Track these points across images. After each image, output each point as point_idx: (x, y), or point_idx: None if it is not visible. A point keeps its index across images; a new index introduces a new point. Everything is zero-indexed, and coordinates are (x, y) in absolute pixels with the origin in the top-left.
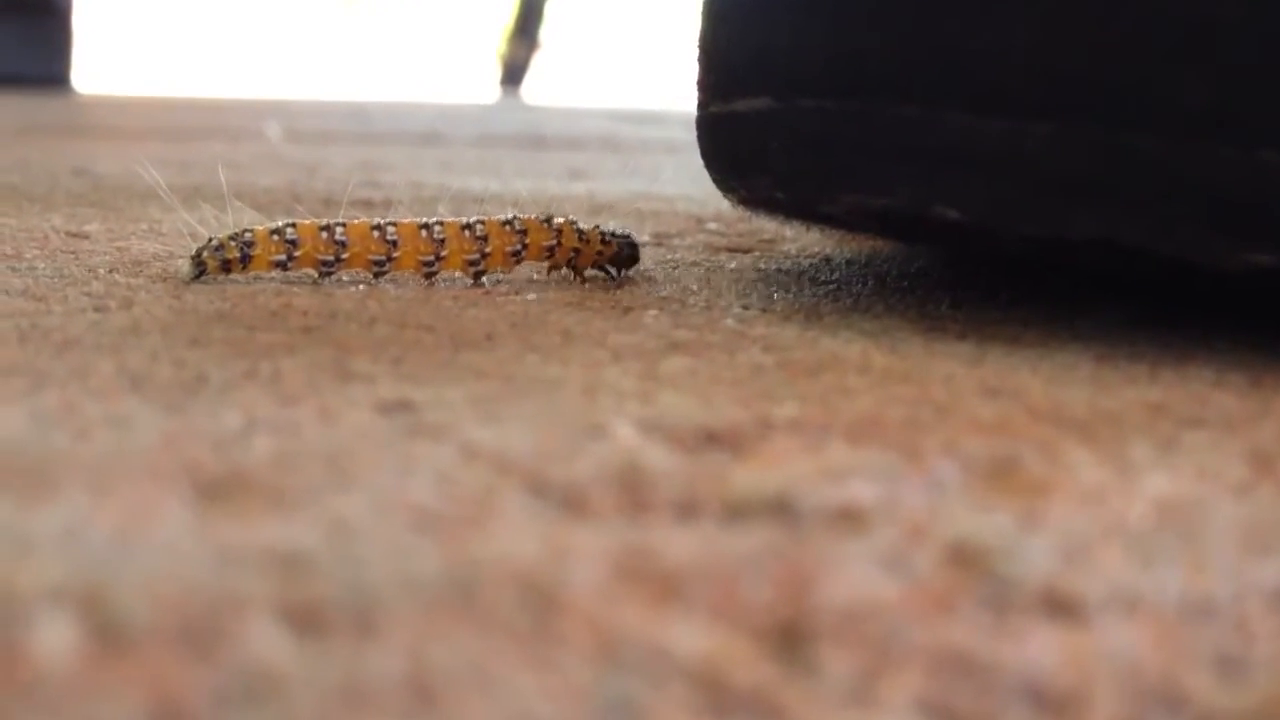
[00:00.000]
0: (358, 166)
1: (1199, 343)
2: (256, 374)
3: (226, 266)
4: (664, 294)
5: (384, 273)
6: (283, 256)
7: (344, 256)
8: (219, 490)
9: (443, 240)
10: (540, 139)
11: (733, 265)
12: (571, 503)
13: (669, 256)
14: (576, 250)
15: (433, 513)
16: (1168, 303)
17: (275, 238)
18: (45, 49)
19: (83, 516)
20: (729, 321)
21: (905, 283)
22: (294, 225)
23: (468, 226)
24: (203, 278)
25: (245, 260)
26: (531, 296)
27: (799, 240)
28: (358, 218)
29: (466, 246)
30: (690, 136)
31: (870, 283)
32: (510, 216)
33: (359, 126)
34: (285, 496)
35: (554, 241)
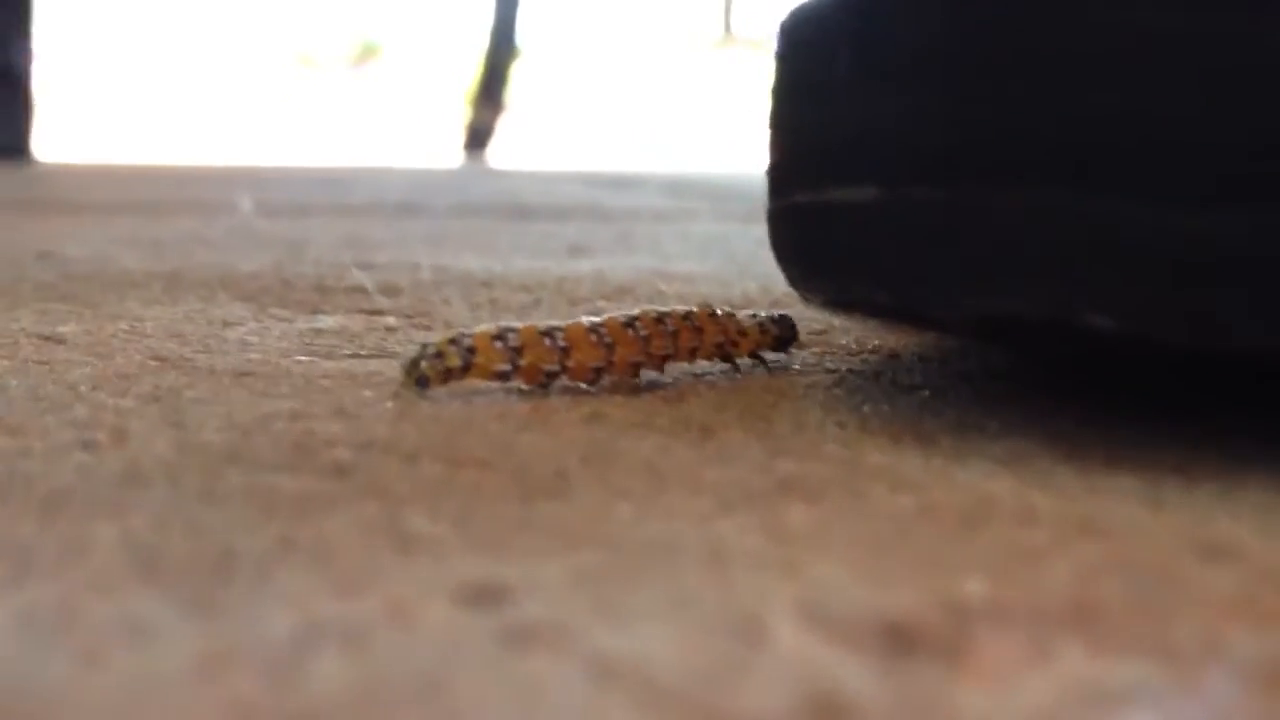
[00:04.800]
0: (343, 244)
1: None
2: (295, 544)
3: (447, 376)
4: (737, 403)
5: (595, 382)
6: (506, 366)
7: (568, 365)
8: None
9: (648, 338)
10: (523, 208)
11: (796, 366)
12: None
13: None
14: (735, 342)
15: None
16: None
17: (499, 344)
18: (2, 117)
19: None
20: (831, 446)
21: (1000, 386)
22: (516, 330)
23: (661, 320)
24: (425, 392)
25: (466, 369)
26: (585, 412)
27: (850, 330)
28: (534, 320)
29: (664, 344)
30: (682, 204)
31: (963, 389)
32: (687, 311)
33: (334, 197)
34: None
35: (724, 338)
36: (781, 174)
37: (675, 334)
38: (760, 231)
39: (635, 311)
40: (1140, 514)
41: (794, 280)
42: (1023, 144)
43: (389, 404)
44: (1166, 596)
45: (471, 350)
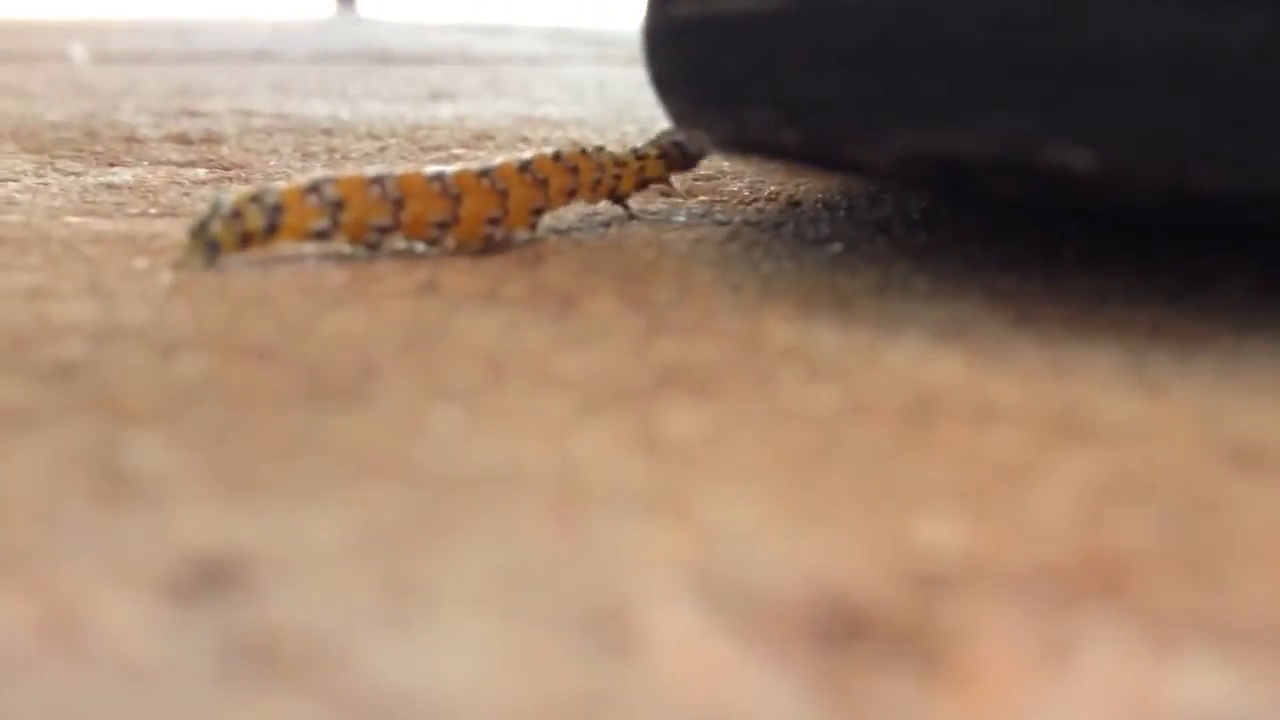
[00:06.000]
0: (175, 92)
1: None
2: None
3: (246, 241)
4: (607, 265)
5: (438, 241)
6: (325, 223)
7: (403, 219)
8: None
9: (505, 191)
10: (387, 54)
11: (681, 218)
12: None
13: (589, 207)
14: (618, 176)
15: None
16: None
17: (313, 199)
18: None
19: None
20: (726, 319)
21: (922, 236)
22: (335, 181)
23: (525, 168)
24: (216, 261)
25: (271, 230)
26: (417, 280)
27: (743, 174)
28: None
29: (531, 195)
30: (559, 48)
31: (880, 241)
32: (556, 151)
33: (179, 45)
34: None
35: (601, 174)
36: None
37: (543, 181)
38: (642, 74)
39: (496, 161)
40: (1134, 401)
41: (677, 115)
42: None
43: (166, 276)
44: (1208, 534)
45: (278, 208)
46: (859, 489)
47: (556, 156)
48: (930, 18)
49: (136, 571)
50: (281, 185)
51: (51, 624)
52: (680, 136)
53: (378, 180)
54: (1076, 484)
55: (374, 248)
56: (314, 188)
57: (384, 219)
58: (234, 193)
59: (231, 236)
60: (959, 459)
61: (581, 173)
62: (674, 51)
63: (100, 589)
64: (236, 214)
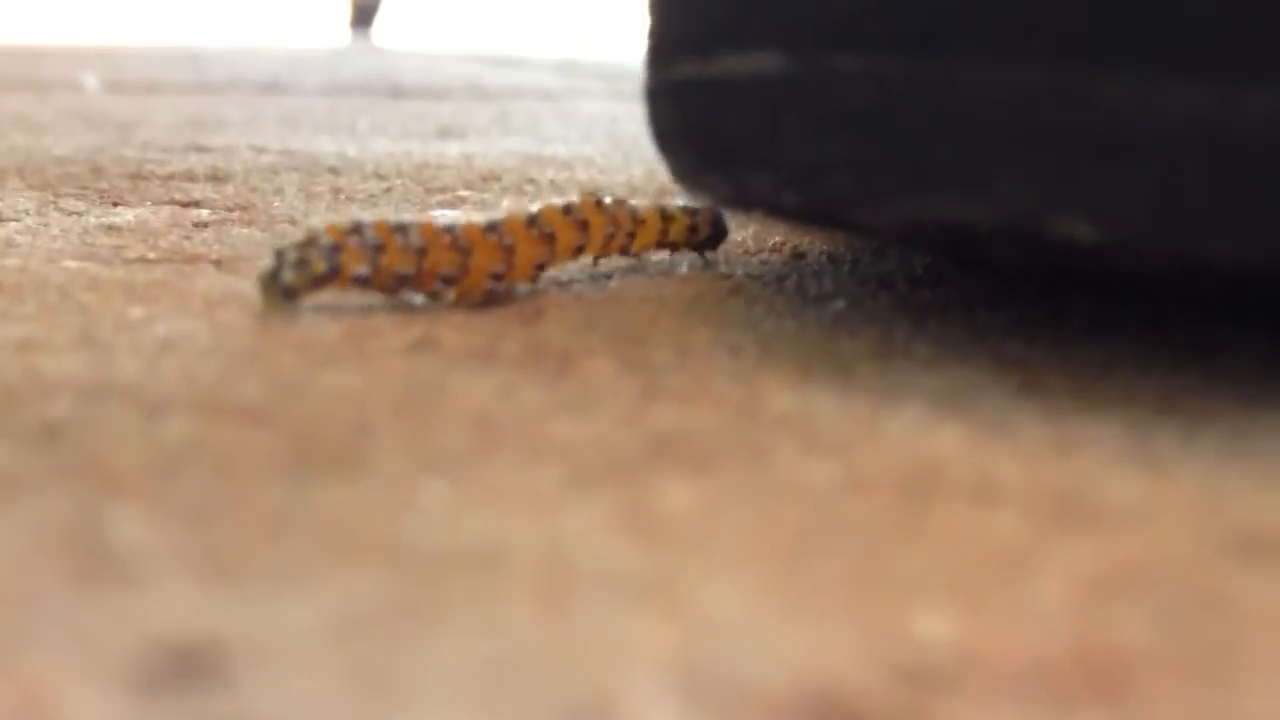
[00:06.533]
0: (184, 124)
1: None
2: None
3: (315, 284)
4: (606, 321)
5: (439, 294)
6: (365, 269)
7: (424, 268)
8: None
9: (512, 247)
10: (397, 86)
11: (683, 269)
12: None
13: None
14: (632, 234)
15: None
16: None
17: (354, 240)
18: None
19: None
20: (723, 383)
21: (926, 294)
22: (374, 225)
23: (533, 222)
24: (296, 307)
25: (335, 273)
26: (413, 336)
27: (747, 224)
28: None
29: (537, 250)
30: (571, 82)
31: (883, 299)
32: (566, 204)
33: (192, 74)
34: None
35: (614, 230)
36: (662, 40)
37: (550, 236)
38: None
39: (500, 215)
40: (1138, 483)
41: (679, 173)
42: (991, 1)
43: (159, 328)
44: (1213, 633)
45: (335, 249)
46: (853, 575)
47: (567, 210)
48: (936, 86)
49: (108, 658)
50: (324, 226)
51: (15, 713)
52: (719, 212)
53: (401, 228)
54: (1076, 574)
55: (394, 295)
56: (355, 229)
57: (408, 268)
58: (290, 241)
59: (303, 281)
60: (956, 543)
61: (592, 229)
62: (675, 111)
63: (69, 676)
64: (302, 261)
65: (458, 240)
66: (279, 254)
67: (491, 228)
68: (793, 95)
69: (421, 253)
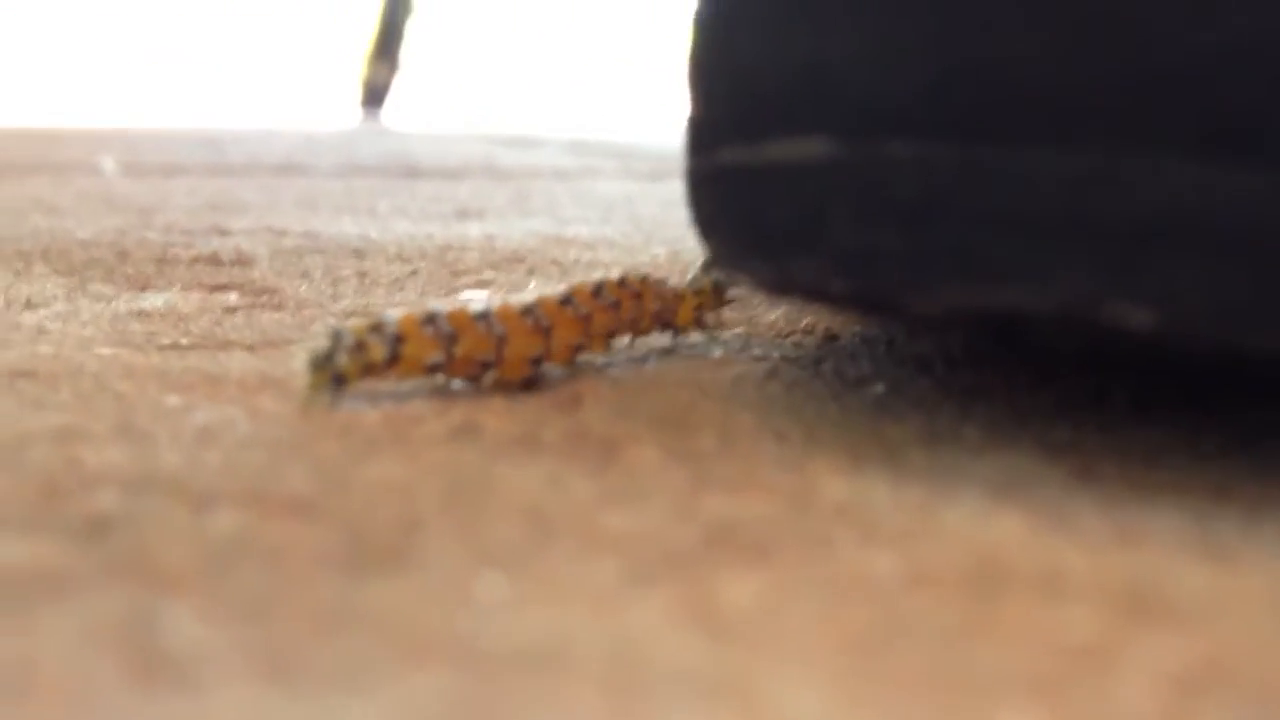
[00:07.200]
0: (205, 207)
1: None
2: None
3: (368, 372)
4: (646, 408)
5: (478, 379)
6: (440, 356)
7: (505, 355)
8: None
9: (549, 329)
10: (413, 167)
11: (718, 352)
12: None
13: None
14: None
15: None
16: None
17: (429, 330)
18: None
19: None
20: (773, 471)
21: (967, 376)
22: (449, 314)
23: (567, 302)
24: (342, 394)
25: (393, 361)
26: (453, 423)
27: (774, 305)
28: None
29: (573, 333)
30: (585, 161)
31: (923, 381)
32: (599, 284)
33: (209, 156)
34: None
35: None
36: (705, 125)
37: (587, 318)
38: (669, 190)
39: (563, 288)
40: (1206, 574)
41: (721, 259)
42: (1045, 87)
43: (198, 416)
44: None
45: (399, 339)
46: (929, 673)
47: (597, 291)
48: (989, 173)
49: None
50: (398, 314)
51: None
52: (721, 276)
53: (483, 316)
54: (1155, 671)
55: (474, 381)
56: (430, 318)
57: (487, 355)
58: (351, 324)
59: (357, 368)
60: (1031, 640)
61: (622, 309)
62: (718, 197)
63: None
64: (360, 346)
65: (539, 321)
66: (335, 336)
67: (566, 300)
68: (843, 181)
69: (502, 340)
